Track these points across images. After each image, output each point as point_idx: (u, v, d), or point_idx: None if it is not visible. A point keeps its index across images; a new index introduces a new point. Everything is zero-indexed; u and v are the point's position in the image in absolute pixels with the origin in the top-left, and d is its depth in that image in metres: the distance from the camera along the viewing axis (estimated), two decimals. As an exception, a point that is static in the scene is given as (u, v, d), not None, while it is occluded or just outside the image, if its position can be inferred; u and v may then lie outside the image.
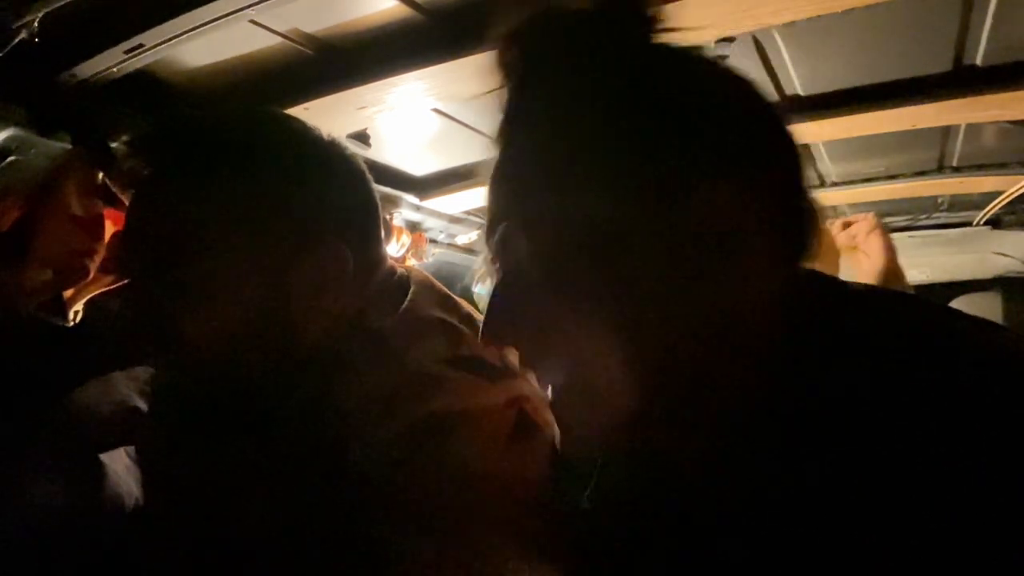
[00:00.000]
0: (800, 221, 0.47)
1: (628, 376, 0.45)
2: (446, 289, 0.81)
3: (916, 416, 0.39)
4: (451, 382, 0.68)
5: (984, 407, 0.38)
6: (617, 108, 0.47)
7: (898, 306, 0.49)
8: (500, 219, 0.50)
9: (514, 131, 0.52)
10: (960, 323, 0.46)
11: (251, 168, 0.70)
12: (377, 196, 0.80)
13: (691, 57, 0.51)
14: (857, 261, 1.46)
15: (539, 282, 0.46)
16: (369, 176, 0.79)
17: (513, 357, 0.71)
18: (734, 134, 0.46)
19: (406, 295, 0.76)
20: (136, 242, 0.72)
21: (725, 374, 0.45)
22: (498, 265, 0.50)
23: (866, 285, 0.53)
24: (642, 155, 0.45)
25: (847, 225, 1.53)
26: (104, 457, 0.85)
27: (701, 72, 0.50)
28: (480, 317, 0.80)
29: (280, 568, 0.65)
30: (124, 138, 1.05)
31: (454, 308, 0.78)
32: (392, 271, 0.80)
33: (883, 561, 0.38)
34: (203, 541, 0.71)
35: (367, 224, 0.78)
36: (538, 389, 0.76)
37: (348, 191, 0.76)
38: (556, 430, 0.73)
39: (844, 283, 0.51)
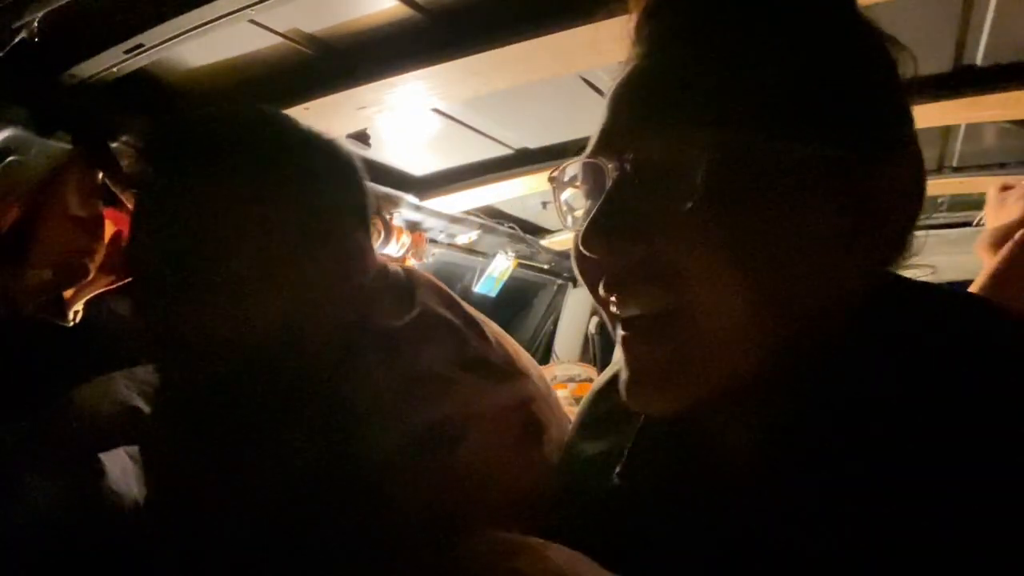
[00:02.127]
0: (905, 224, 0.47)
1: (728, 327, 0.43)
2: (448, 289, 0.82)
3: (961, 420, 0.39)
4: (461, 385, 0.69)
5: None
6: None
7: (961, 310, 0.47)
8: (672, 122, 0.44)
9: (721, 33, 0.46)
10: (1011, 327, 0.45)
11: (261, 166, 0.71)
12: (370, 193, 0.80)
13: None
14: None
15: (694, 198, 0.42)
16: (364, 173, 0.80)
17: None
18: (892, 112, 0.47)
19: (412, 295, 0.76)
20: (150, 245, 0.71)
21: (792, 360, 0.44)
22: (621, 167, 0.45)
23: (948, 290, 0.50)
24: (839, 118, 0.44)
25: (1006, 188, 1.28)
26: (104, 457, 0.85)
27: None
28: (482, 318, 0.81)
29: (287, 567, 0.65)
30: (125, 138, 1.05)
31: (458, 309, 0.78)
32: (385, 268, 0.80)
33: (925, 560, 0.38)
34: (207, 540, 0.71)
35: (366, 219, 0.79)
36: (544, 388, 0.77)
37: (350, 187, 0.77)
38: (562, 422, 0.74)
39: (926, 288, 0.49)
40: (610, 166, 0.45)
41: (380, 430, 0.65)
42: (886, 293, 0.46)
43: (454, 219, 2.00)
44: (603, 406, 0.63)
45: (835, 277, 0.44)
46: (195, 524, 0.73)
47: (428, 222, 1.95)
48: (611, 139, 0.47)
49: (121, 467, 0.85)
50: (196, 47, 1.03)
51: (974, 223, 2.23)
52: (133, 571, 0.77)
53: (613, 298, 0.47)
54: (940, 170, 1.88)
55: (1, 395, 0.95)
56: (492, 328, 0.79)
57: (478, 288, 2.45)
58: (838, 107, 0.44)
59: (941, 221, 2.29)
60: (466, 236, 2.14)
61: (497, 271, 2.44)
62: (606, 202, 0.44)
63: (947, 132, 1.67)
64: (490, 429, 0.67)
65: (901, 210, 0.45)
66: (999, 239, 1.20)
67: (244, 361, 0.69)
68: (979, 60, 1.26)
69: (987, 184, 1.91)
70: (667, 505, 0.50)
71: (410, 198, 1.78)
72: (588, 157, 0.48)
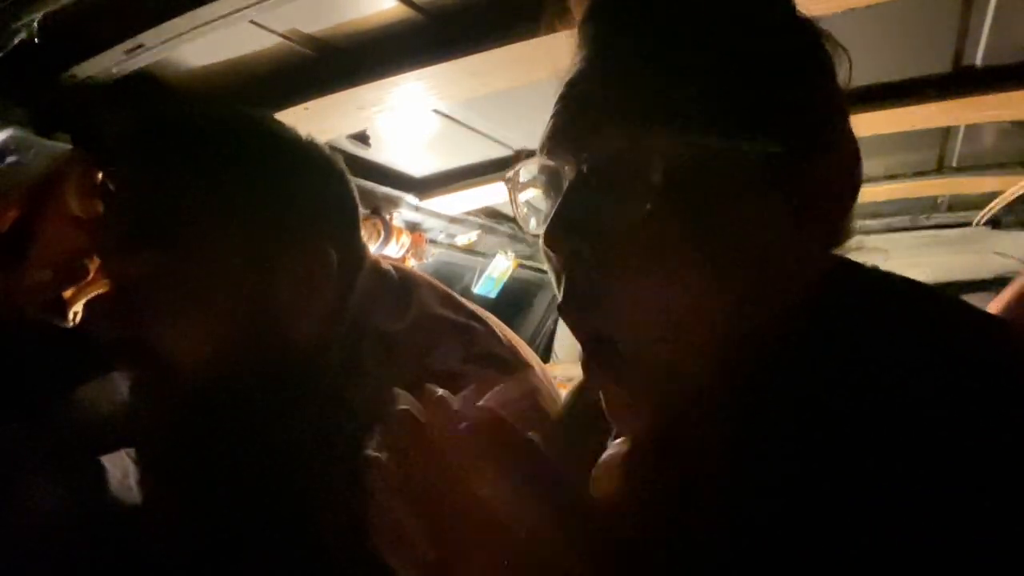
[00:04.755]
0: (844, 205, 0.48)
1: (691, 326, 0.44)
2: (445, 287, 0.82)
3: (927, 415, 0.39)
4: (469, 378, 0.69)
5: (1001, 411, 0.38)
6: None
7: (926, 301, 0.48)
8: (633, 120, 0.45)
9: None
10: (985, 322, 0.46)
11: (230, 165, 0.71)
12: (356, 193, 0.80)
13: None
14: None
15: (651, 200, 0.43)
16: (348, 174, 0.79)
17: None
18: (824, 110, 0.49)
19: (409, 296, 0.76)
20: (117, 236, 0.71)
21: (755, 354, 0.45)
22: (577, 166, 0.46)
23: (901, 277, 0.51)
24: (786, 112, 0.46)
25: None
26: (104, 460, 0.85)
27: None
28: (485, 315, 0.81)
29: (289, 566, 0.65)
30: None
31: (459, 306, 0.78)
32: (378, 267, 0.80)
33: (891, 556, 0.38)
34: (209, 540, 0.70)
35: (347, 222, 0.78)
36: (546, 381, 0.77)
37: (327, 190, 0.77)
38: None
39: (877, 274, 0.50)
40: (566, 167, 0.46)
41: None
42: (836, 277, 0.48)
43: (454, 219, 2.00)
44: (580, 404, 0.64)
45: (785, 265, 0.46)
46: (195, 525, 0.73)
47: (428, 222, 1.95)
48: (565, 139, 0.48)
49: (122, 469, 0.85)
50: (196, 47, 1.03)
51: (974, 223, 2.23)
52: (134, 573, 0.77)
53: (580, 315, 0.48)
54: (940, 170, 1.88)
55: (1, 395, 0.95)
56: (495, 322, 0.79)
57: (478, 289, 2.45)
58: (775, 105, 0.46)
59: (941, 221, 2.29)
60: (466, 236, 2.14)
61: (497, 271, 2.43)
62: (565, 201, 0.46)
63: (947, 132, 1.67)
64: None
65: (836, 200, 0.48)
66: None
67: (213, 362, 0.69)
68: (979, 60, 1.26)
69: (987, 184, 1.92)
70: (652, 514, 0.51)
71: (410, 198, 1.78)
72: (543, 157, 0.49)
